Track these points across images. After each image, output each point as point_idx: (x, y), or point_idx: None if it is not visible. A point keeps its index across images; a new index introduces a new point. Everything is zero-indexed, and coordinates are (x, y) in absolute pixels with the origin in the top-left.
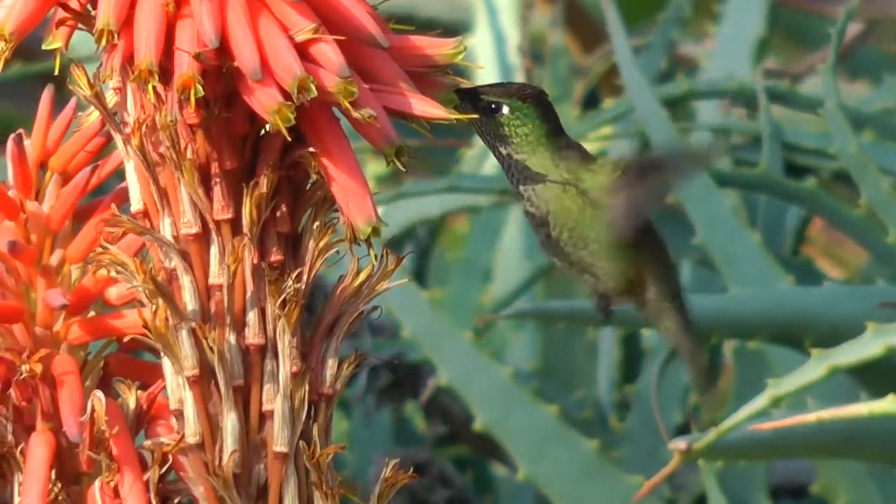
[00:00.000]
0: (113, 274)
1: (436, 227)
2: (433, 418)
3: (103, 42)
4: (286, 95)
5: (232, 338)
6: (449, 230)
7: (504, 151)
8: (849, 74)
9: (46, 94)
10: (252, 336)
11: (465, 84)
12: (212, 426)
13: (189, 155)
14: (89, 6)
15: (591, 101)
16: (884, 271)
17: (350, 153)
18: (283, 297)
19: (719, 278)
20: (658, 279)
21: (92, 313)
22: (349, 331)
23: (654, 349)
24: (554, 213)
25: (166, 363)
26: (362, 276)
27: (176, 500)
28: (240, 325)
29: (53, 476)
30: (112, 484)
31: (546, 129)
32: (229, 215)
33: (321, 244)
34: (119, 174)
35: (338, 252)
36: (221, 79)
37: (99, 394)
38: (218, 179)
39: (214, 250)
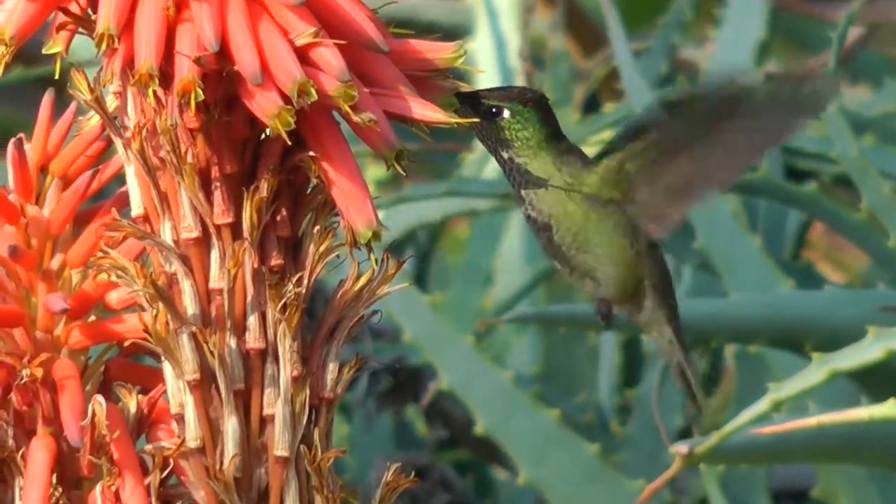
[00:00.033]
0: (113, 278)
1: (436, 231)
2: (434, 422)
3: (104, 46)
4: (286, 99)
5: (232, 342)
6: (450, 234)
7: (505, 155)
8: (849, 78)
9: (47, 99)
10: (253, 340)
11: (466, 88)
12: (213, 430)
13: (189, 159)
14: (90, 10)
15: (591, 105)
16: (884, 275)
17: (350, 157)
18: (283, 301)
19: (720, 282)
20: (656, 287)
21: (92, 317)
22: (350, 335)
23: (656, 354)
24: (556, 218)
25: (167, 367)
26: (363, 281)
27: None
28: (240, 330)
29: (54, 480)
30: (113, 488)
31: (546, 132)
32: (230, 219)
33: (322, 248)
34: (119, 178)
35: (338, 256)
36: (222, 83)
37: (100, 398)
38: (218, 183)
39: (215, 254)
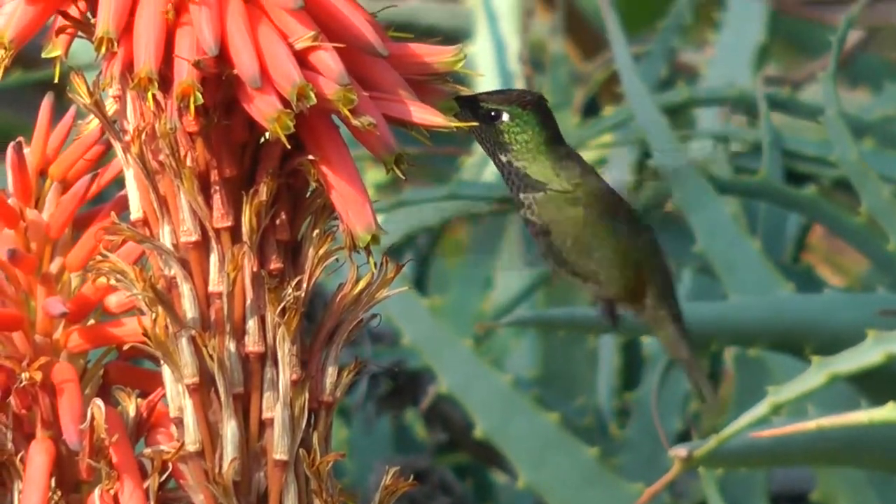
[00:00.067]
0: (112, 282)
1: (436, 235)
2: (433, 426)
3: (103, 50)
4: (285, 103)
5: (232, 346)
6: (449, 238)
7: (504, 159)
8: (849, 82)
9: (46, 102)
10: (252, 344)
11: (465, 92)
12: (212, 434)
13: (189, 163)
14: (89, 14)
15: (591, 109)
16: (884, 279)
17: (350, 161)
18: (282, 304)
19: (720, 286)
20: (657, 286)
21: (92, 321)
22: (349, 338)
23: (655, 357)
24: (556, 222)
25: (166, 371)
26: (362, 284)
27: None
28: (240, 333)
29: (53, 484)
30: (112, 492)
31: (546, 136)
32: (229, 223)
33: (321, 252)
34: (119, 182)
35: (337, 260)
36: (221, 87)
37: (99, 402)
38: (217, 187)
39: (214, 258)
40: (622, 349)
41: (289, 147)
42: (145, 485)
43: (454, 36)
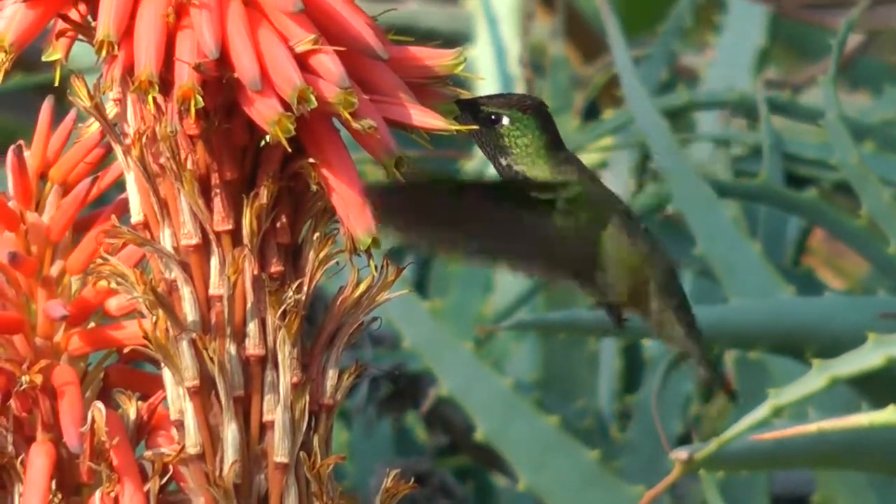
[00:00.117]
0: (113, 285)
1: None
2: (434, 429)
3: (103, 53)
4: (286, 106)
5: (232, 348)
6: None
7: (504, 162)
8: (849, 85)
9: (46, 106)
10: (252, 347)
11: (466, 95)
12: (212, 437)
13: (189, 166)
14: (89, 17)
15: (591, 112)
16: (885, 282)
17: (350, 164)
18: (283, 307)
19: (720, 289)
20: (661, 288)
21: (92, 324)
22: (349, 341)
23: (655, 359)
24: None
25: (167, 374)
26: (362, 287)
27: None
28: (240, 336)
29: (54, 487)
30: (112, 494)
31: (545, 140)
32: (229, 226)
33: (321, 255)
34: (119, 185)
35: (338, 263)
36: (221, 89)
37: (99, 404)
38: (218, 190)
39: (215, 261)
40: (623, 352)
41: (289, 150)
42: (146, 487)
43: (454, 39)
